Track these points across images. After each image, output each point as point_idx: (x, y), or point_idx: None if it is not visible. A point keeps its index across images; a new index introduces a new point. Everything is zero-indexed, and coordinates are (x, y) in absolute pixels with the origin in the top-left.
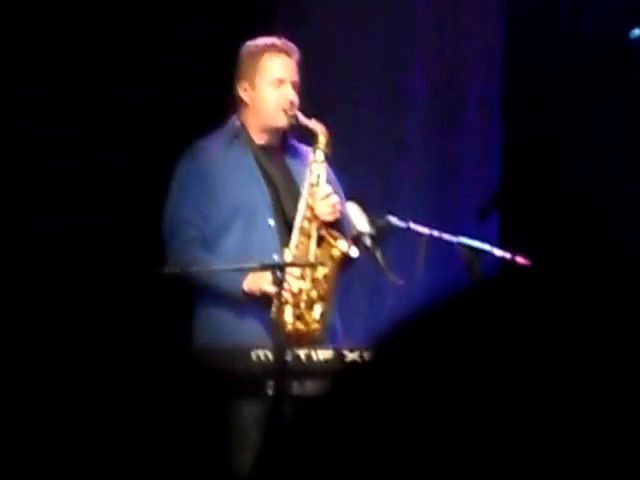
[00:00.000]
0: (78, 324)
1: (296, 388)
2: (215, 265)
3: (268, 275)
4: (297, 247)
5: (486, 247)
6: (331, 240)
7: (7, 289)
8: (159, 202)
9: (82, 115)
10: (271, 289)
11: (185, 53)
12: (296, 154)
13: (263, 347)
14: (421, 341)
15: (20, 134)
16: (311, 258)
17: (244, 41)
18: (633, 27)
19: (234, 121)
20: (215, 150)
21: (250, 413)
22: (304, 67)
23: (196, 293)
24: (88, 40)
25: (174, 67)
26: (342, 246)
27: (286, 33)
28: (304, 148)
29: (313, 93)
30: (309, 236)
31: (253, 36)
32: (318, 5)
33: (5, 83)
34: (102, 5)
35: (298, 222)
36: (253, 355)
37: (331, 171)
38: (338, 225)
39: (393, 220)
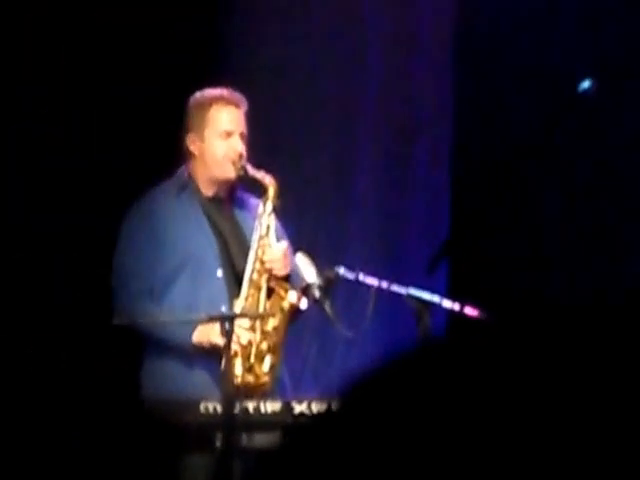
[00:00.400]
0: (77, 324)
1: (245, 440)
2: (163, 317)
3: (217, 327)
4: (247, 299)
5: (435, 298)
6: (281, 292)
7: (7, 289)
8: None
9: (82, 115)
10: (220, 341)
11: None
12: (245, 206)
13: (212, 399)
14: (375, 398)
15: (20, 134)
16: (261, 310)
17: (192, 92)
18: (582, 79)
19: (182, 172)
20: (163, 201)
21: (198, 465)
22: (253, 118)
23: (144, 345)
24: (88, 40)
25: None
26: (292, 298)
27: (235, 85)
28: (253, 200)
29: (262, 144)
30: (259, 288)
31: (201, 87)
32: (269, 57)
33: (5, 83)
34: (102, 5)
35: (248, 274)
36: (202, 407)
37: (279, 223)
38: (287, 277)
39: (342, 271)
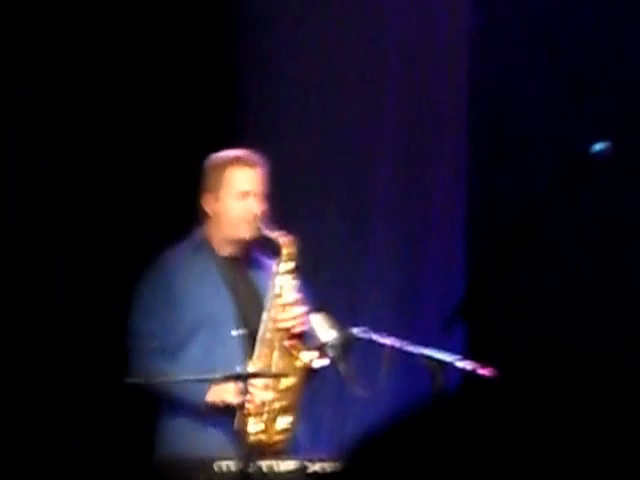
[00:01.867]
0: (77, 324)
1: None
2: (177, 376)
3: (231, 386)
4: (260, 358)
5: (449, 358)
6: (294, 351)
7: (7, 289)
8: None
9: (82, 115)
10: (234, 400)
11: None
12: (260, 266)
13: (226, 458)
14: (387, 455)
15: (20, 134)
16: (274, 369)
17: (210, 153)
18: (594, 142)
19: (198, 233)
20: (179, 261)
21: None
22: (270, 177)
23: (159, 404)
24: (88, 40)
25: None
26: (305, 357)
27: (255, 144)
28: (267, 261)
29: (278, 203)
30: (272, 347)
31: (220, 148)
32: (287, 118)
33: (5, 83)
34: (102, 6)
35: (261, 333)
36: (216, 466)
37: (299, 283)
38: (302, 336)
39: (357, 331)
